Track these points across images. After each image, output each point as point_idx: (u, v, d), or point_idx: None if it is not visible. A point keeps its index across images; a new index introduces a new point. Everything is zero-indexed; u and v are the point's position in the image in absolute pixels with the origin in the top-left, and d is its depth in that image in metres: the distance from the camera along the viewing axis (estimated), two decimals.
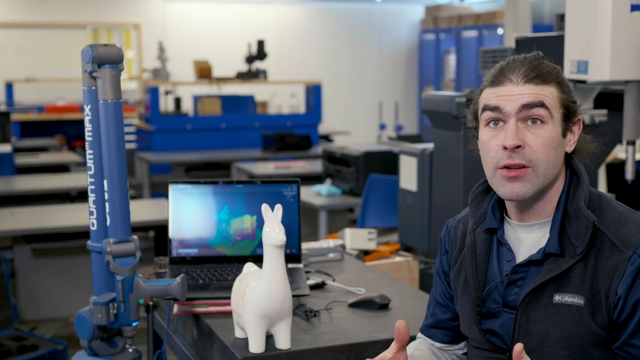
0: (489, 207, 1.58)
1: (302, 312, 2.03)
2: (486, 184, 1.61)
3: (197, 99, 8.06)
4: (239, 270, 1.99)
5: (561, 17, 2.86)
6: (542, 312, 1.45)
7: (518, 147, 1.43)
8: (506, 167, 1.45)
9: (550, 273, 1.44)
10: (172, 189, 2.31)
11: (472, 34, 10.35)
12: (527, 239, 1.52)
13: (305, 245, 2.58)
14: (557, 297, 1.44)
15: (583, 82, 2.60)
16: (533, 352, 1.46)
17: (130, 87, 10.18)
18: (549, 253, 1.46)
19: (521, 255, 1.51)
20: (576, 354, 1.43)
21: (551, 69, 1.49)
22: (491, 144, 1.47)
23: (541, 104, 1.44)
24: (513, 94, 1.45)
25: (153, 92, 7.52)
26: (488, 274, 1.55)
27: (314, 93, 8.18)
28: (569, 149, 1.51)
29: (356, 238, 2.91)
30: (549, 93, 1.46)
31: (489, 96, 1.49)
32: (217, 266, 2.28)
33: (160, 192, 6.87)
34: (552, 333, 1.44)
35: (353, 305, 2.12)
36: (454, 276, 1.63)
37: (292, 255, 2.33)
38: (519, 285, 1.50)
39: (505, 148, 1.44)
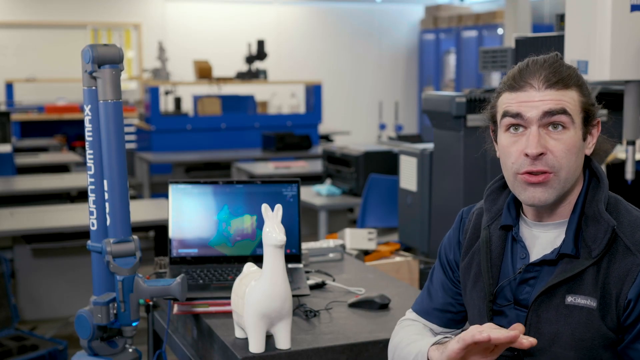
0: (504, 204, 1.57)
1: (302, 312, 2.03)
2: (502, 181, 1.61)
3: (197, 99, 8.06)
4: (239, 270, 1.99)
5: (561, 17, 2.86)
6: (553, 313, 1.45)
7: (541, 154, 1.42)
8: (528, 172, 1.44)
9: (563, 274, 1.44)
10: (172, 189, 2.31)
11: (472, 34, 10.35)
12: (542, 237, 1.51)
13: (305, 245, 2.58)
14: (570, 299, 1.44)
15: None
16: (542, 352, 1.46)
17: (130, 87, 10.18)
18: (563, 254, 1.46)
19: (535, 254, 1.51)
20: (585, 355, 1.43)
21: (571, 72, 1.46)
22: (512, 149, 1.46)
23: (563, 111, 1.42)
24: (534, 100, 1.43)
25: (153, 92, 7.52)
26: (501, 270, 1.55)
27: (314, 93, 8.18)
28: (589, 151, 1.50)
29: (356, 238, 2.91)
30: (570, 98, 1.44)
31: (509, 101, 1.46)
32: (217, 266, 2.28)
33: (160, 192, 6.87)
34: (563, 334, 1.44)
35: (353, 305, 2.12)
36: (464, 269, 1.63)
37: (292, 255, 2.33)
38: (531, 284, 1.50)
39: (527, 155, 1.43)
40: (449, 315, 1.69)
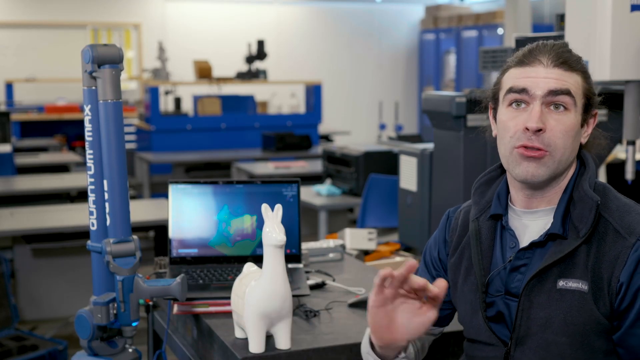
0: (494, 195, 1.58)
1: (302, 312, 2.03)
2: (491, 174, 1.62)
3: (197, 99, 8.06)
4: (239, 270, 1.99)
5: (561, 17, 2.86)
6: (545, 297, 1.45)
7: (540, 130, 1.44)
8: (524, 146, 1.45)
9: (554, 256, 1.45)
10: (172, 189, 2.31)
11: (472, 34, 10.35)
12: (532, 225, 1.52)
13: (305, 245, 2.58)
14: (561, 283, 1.44)
15: None
16: (534, 338, 1.46)
17: (130, 87, 10.18)
18: (552, 234, 1.46)
19: (525, 242, 1.52)
20: (577, 341, 1.43)
21: (577, 57, 1.50)
22: (511, 123, 1.48)
23: (567, 92, 1.45)
24: (541, 76, 1.46)
25: (153, 92, 7.52)
26: (492, 261, 1.55)
27: (314, 93, 8.18)
28: (583, 140, 1.52)
29: (356, 238, 2.90)
30: (574, 81, 1.47)
31: (516, 76, 1.49)
32: (217, 266, 2.28)
33: (160, 192, 6.87)
34: (555, 319, 1.44)
35: (353, 305, 2.12)
36: (454, 265, 1.63)
37: (292, 255, 2.33)
38: (522, 272, 1.50)
39: (527, 129, 1.45)
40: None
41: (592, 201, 1.45)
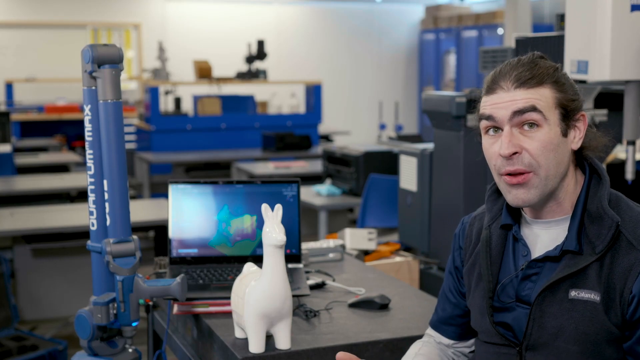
0: (504, 204, 1.58)
1: (302, 312, 2.03)
2: None
3: (197, 99, 8.06)
4: (239, 270, 1.99)
5: (561, 17, 2.86)
6: (557, 307, 1.45)
7: (515, 153, 1.44)
8: (508, 173, 1.46)
9: (567, 270, 1.44)
10: (172, 189, 2.31)
11: (472, 34, 10.35)
12: (543, 235, 1.52)
13: (305, 245, 2.58)
14: (573, 293, 1.44)
15: (583, 82, 2.60)
16: (545, 347, 1.47)
17: (130, 87, 10.18)
18: (566, 250, 1.46)
19: (537, 251, 1.52)
20: (589, 350, 1.43)
21: (546, 69, 1.47)
22: (491, 151, 1.49)
23: (533, 108, 1.44)
24: (504, 101, 1.46)
25: (153, 92, 7.52)
26: (502, 268, 1.55)
27: (314, 93, 8.18)
28: (575, 146, 1.50)
29: (356, 238, 2.91)
30: (540, 95, 1.45)
31: (484, 105, 1.50)
32: (217, 266, 2.28)
33: (160, 192, 6.87)
34: (567, 328, 1.44)
35: (353, 305, 2.12)
36: (468, 271, 1.64)
37: (292, 255, 2.33)
38: (533, 280, 1.50)
39: (501, 155, 1.45)
40: (452, 328, 1.72)
41: (611, 221, 1.44)
